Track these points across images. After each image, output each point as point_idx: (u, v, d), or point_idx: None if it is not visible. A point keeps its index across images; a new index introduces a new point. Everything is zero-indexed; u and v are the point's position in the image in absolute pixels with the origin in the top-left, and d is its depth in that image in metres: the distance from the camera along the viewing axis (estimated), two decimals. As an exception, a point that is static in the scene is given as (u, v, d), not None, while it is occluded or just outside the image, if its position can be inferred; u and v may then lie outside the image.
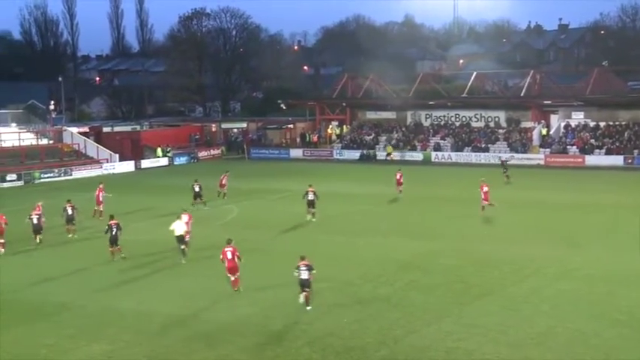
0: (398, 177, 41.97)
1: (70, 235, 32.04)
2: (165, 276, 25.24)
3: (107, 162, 63.62)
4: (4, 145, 60.79)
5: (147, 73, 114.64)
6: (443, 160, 64.19)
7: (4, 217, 30.26)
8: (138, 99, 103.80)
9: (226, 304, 21.70)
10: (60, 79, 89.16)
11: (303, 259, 21.40)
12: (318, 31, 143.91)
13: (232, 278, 22.99)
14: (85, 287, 24.19)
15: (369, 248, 28.85)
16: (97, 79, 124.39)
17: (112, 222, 27.81)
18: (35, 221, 30.44)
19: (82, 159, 63.64)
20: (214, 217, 36.18)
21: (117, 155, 65.29)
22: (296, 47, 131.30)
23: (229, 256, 22.98)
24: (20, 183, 54.61)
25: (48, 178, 56.70)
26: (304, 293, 21.10)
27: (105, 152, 65.26)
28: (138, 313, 21.11)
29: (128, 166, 63.98)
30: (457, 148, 66.07)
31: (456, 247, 28.83)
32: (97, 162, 63.33)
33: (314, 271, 21.19)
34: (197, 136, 77.15)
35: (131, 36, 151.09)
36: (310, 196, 34.81)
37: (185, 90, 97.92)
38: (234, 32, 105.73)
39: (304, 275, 21.09)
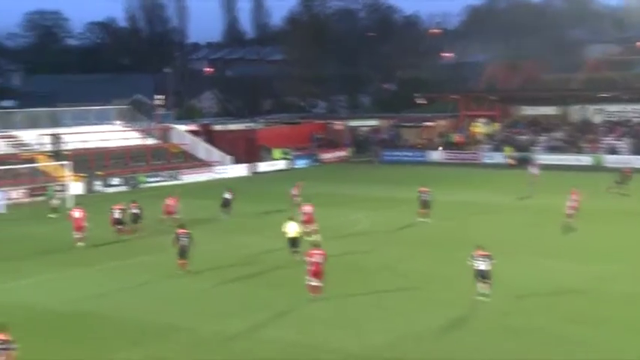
0: (534, 172, 46.34)
1: (136, 234, 36.53)
2: (277, 296, 25.80)
3: (219, 165, 66.10)
4: (108, 145, 64.63)
5: (263, 62, 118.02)
6: (618, 164, 61.75)
7: (84, 213, 35.26)
8: (253, 92, 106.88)
9: (352, 331, 21.99)
10: (167, 70, 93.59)
11: (480, 248, 24.05)
12: (461, 10, 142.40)
13: (314, 284, 24.54)
14: (189, 305, 25.19)
15: (522, 270, 28.34)
16: (208, 69, 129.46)
17: (180, 231, 29.17)
18: (117, 215, 36.34)
19: (191, 161, 66.50)
20: (340, 228, 36.92)
21: (230, 157, 67.67)
22: (435, 30, 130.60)
23: (317, 259, 24.49)
24: (125, 188, 57.85)
25: (154, 182, 59.71)
26: (483, 284, 23.65)
27: (217, 154, 67.83)
28: (253, 339, 21.73)
29: (243, 169, 66.15)
30: (637, 150, 63.44)
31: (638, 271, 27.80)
32: (207, 165, 65.93)
33: (494, 261, 23.71)
34: (320, 136, 78.56)
35: (245, 21, 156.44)
36: (425, 197, 38.76)
37: (306, 82, 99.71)
38: (362, 13, 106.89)
39: (482, 266, 23.66)
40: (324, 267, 24.75)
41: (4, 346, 17.04)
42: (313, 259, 24.67)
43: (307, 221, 34.31)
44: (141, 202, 39.56)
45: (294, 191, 44.08)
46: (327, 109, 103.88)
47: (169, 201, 40.86)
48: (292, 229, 30.37)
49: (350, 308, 24.10)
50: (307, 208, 35.06)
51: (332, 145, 77.64)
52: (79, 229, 35.02)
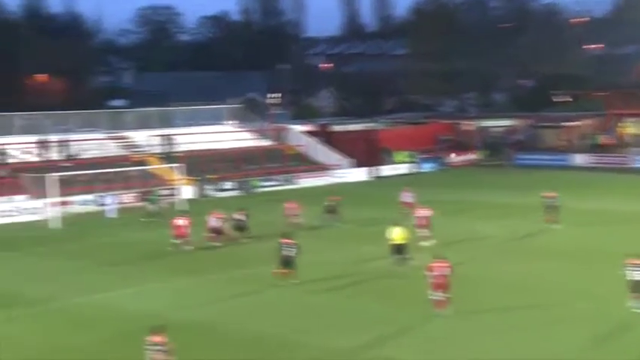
0: None
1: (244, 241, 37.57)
2: (394, 310, 25.58)
3: (338, 168, 66.53)
4: (220, 146, 66.08)
5: (385, 57, 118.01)
6: None
7: (187, 221, 36.82)
8: (374, 90, 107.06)
9: (486, 352, 21.54)
10: (282, 66, 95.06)
11: (638, 256, 23.86)
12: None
13: (438, 297, 24.34)
14: (299, 319, 25.27)
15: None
16: (325, 65, 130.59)
17: (285, 240, 29.48)
18: (214, 223, 37.22)
19: (308, 164, 67.25)
20: (464, 237, 36.60)
21: (350, 160, 67.99)
22: (579, 19, 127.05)
23: (443, 272, 24.49)
24: (237, 192, 58.95)
25: (268, 187, 60.66)
26: None
27: (335, 156, 68.28)
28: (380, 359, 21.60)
29: (363, 173, 66.35)
30: None
31: None
32: (326, 168, 66.55)
33: None
34: (447, 137, 77.78)
35: (366, 12, 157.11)
36: (551, 202, 38.92)
37: (432, 78, 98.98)
38: (495, 2, 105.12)
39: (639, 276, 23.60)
40: (450, 279, 24.48)
41: (161, 348, 18.64)
42: (436, 272, 24.53)
43: (422, 225, 34.88)
44: (254, 208, 40.35)
45: (405, 197, 43.69)
46: (455, 108, 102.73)
47: (289, 204, 41.54)
48: (397, 235, 30.87)
49: (478, 326, 23.61)
50: (424, 212, 35.54)
51: (460, 147, 76.67)
52: (181, 236, 36.26)
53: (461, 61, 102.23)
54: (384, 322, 24.43)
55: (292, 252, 29.17)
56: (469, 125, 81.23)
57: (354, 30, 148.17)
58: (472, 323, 23.90)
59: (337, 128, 77.13)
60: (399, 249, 30.88)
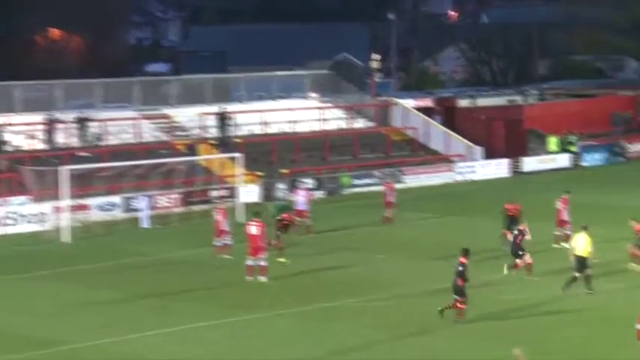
0: None
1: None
2: None
3: (463, 160, 66.36)
4: (297, 128, 66.43)
5: (540, 1, 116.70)
6: None
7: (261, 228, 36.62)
8: (522, 49, 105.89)
9: None
10: (391, 16, 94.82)
11: None
12: None
13: None
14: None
15: None
16: (452, 14, 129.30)
17: (462, 260, 30.19)
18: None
19: (421, 154, 67.17)
20: None
21: (480, 149, 67.70)
22: None
23: None
24: (320, 194, 59.10)
25: (363, 186, 60.72)
26: None
27: (460, 143, 68.09)
28: None
29: (499, 167, 66.15)
30: None
31: None
32: (445, 160, 66.42)
33: None
34: (627, 115, 76.93)
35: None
36: None
37: (608, 30, 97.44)
38: None
39: None
40: None
41: None
42: None
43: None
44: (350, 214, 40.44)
45: (561, 216, 42.91)
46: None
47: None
48: (581, 244, 31.97)
49: None
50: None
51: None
52: (256, 251, 36.39)
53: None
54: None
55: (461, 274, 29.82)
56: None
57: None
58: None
59: (463, 103, 76.47)
60: (581, 263, 31.96)
